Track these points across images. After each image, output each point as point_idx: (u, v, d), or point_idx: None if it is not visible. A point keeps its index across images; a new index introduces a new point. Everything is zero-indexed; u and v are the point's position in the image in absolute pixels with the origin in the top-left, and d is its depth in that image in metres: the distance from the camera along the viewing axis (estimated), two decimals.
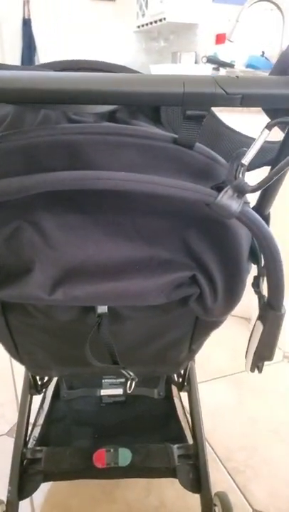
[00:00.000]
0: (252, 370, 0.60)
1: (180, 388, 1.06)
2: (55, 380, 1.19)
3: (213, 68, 1.95)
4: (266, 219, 0.56)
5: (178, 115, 0.55)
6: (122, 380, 1.16)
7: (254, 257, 0.55)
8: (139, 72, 0.45)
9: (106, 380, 1.18)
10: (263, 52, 2.00)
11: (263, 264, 0.59)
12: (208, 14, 2.71)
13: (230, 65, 1.71)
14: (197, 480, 0.91)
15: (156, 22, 2.89)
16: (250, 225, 0.45)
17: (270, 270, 0.49)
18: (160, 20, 2.80)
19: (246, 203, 0.44)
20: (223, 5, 2.50)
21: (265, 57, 1.97)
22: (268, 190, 0.52)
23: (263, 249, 0.49)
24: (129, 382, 0.67)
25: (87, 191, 0.44)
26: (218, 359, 1.57)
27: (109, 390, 1.17)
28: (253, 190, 0.42)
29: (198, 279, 0.50)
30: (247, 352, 0.59)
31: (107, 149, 0.42)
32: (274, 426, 1.28)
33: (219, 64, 1.71)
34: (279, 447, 1.21)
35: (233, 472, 1.13)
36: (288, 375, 1.51)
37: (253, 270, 0.57)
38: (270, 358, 0.58)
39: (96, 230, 0.48)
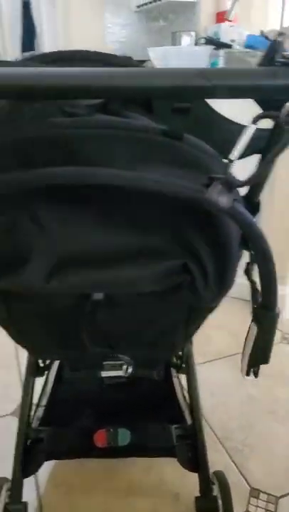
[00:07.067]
0: (247, 374, 0.58)
1: (178, 370, 1.09)
2: (57, 362, 1.21)
3: (214, 48, 1.91)
4: (257, 206, 0.57)
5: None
6: (123, 362, 1.19)
7: (246, 244, 0.56)
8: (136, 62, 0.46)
9: (107, 362, 1.21)
10: (262, 32, 1.95)
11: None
12: None
13: (228, 46, 1.67)
14: (195, 459, 0.94)
15: (155, 1, 2.83)
16: (240, 222, 0.46)
17: (262, 269, 0.49)
18: None
19: (236, 199, 0.44)
20: None
21: (265, 37, 1.92)
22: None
23: (253, 247, 0.49)
24: (125, 366, 0.69)
25: None
26: (217, 341, 1.59)
27: (110, 372, 1.20)
28: (243, 184, 0.43)
29: (189, 266, 0.51)
30: (243, 354, 0.57)
31: (100, 143, 0.43)
32: (271, 406, 1.31)
33: (216, 45, 1.68)
34: (275, 426, 1.24)
35: (232, 451, 1.16)
36: (286, 355, 1.53)
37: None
38: (265, 361, 0.56)
39: (89, 220, 0.49)
